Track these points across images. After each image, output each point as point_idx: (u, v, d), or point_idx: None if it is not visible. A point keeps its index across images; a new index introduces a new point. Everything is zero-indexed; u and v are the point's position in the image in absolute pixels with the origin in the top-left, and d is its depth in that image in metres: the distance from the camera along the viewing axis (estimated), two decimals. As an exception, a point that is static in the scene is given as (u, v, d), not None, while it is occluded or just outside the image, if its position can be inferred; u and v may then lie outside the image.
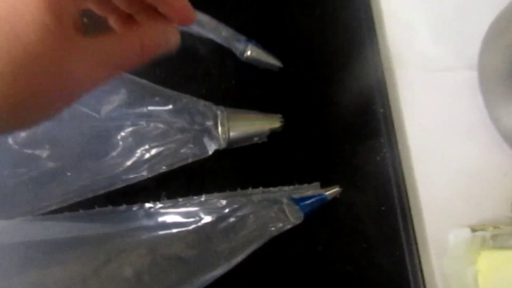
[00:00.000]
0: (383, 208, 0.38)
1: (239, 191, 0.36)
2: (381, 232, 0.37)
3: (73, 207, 0.33)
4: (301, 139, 0.40)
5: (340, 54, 0.44)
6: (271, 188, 0.36)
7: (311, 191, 0.37)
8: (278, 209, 0.34)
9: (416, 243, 0.36)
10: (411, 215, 0.37)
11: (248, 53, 0.40)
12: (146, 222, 0.33)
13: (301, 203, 0.35)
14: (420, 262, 0.35)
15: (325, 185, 0.37)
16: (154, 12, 0.23)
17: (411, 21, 0.45)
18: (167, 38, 0.23)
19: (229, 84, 0.41)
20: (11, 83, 0.17)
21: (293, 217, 0.34)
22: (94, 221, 0.33)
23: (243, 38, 0.41)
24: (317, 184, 0.37)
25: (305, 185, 0.37)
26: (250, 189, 0.36)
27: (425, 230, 0.38)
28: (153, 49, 0.22)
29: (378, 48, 0.44)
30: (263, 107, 0.40)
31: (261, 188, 0.36)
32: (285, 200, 0.35)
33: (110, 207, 0.34)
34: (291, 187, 0.37)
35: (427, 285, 0.35)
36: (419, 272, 0.35)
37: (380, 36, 0.45)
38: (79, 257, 0.31)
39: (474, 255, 0.36)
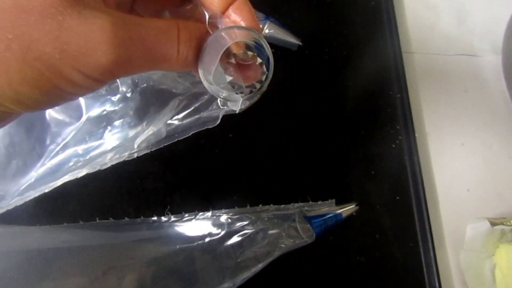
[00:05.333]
0: (397, 198, 0.36)
1: (248, 207, 0.34)
2: (395, 223, 0.35)
3: (73, 218, 0.32)
4: (313, 124, 0.38)
5: (356, 36, 0.42)
6: (282, 206, 0.34)
7: (326, 208, 0.35)
8: (288, 227, 0.32)
9: (431, 235, 0.35)
10: (426, 206, 0.36)
11: (266, 30, 0.39)
12: (149, 235, 0.31)
13: (314, 221, 0.33)
14: (435, 254, 0.34)
15: (339, 177, 0.36)
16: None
17: (433, 2, 0.43)
18: (202, 40, 0.19)
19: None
20: None
21: (305, 236, 0.32)
22: (95, 231, 0.31)
23: (261, 15, 0.39)
24: (332, 201, 0.35)
25: (319, 202, 0.35)
26: (260, 206, 0.34)
27: (441, 222, 0.36)
28: (190, 47, 0.18)
29: (396, 30, 0.42)
30: (277, 88, 0.38)
31: (272, 205, 0.34)
32: (296, 218, 0.33)
33: (111, 220, 0.32)
34: (304, 204, 0.34)
35: (442, 277, 0.34)
36: (433, 264, 0.34)
37: (399, 17, 0.43)
38: (78, 267, 0.29)
39: (492, 248, 0.34)
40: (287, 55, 0.40)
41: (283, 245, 0.31)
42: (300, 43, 0.39)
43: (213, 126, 0.28)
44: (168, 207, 0.33)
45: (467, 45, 0.41)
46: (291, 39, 0.39)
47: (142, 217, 0.32)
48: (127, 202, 0.34)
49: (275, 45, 0.40)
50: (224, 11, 0.20)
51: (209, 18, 0.20)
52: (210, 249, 0.31)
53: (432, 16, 0.43)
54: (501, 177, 0.37)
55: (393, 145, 0.38)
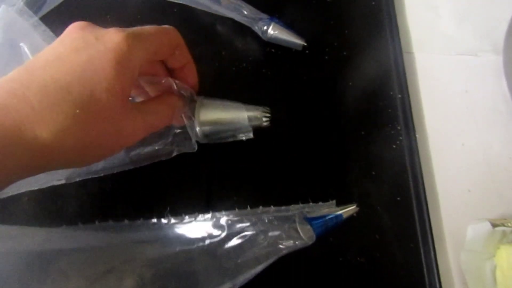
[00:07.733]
0: (398, 198, 0.36)
1: (248, 209, 0.33)
2: (396, 224, 0.35)
3: (72, 220, 0.32)
4: (313, 125, 0.38)
5: (356, 36, 0.42)
6: (283, 207, 0.34)
7: (327, 209, 0.34)
8: (289, 228, 0.32)
9: (431, 236, 0.34)
10: (427, 207, 0.35)
11: (271, 31, 0.38)
12: (149, 236, 0.32)
13: (314, 222, 0.33)
14: (435, 255, 0.34)
15: (339, 178, 0.36)
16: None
17: (434, 1, 0.43)
18: (185, 108, 0.31)
19: (249, 64, 0.40)
20: (82, 126, 0.22)
21: (305, 237, 0.32)
22: (95, 233, 0.31)
23: (264, 16, 0.39)
24: (332, 202, 0.35)
25: (320, 203, 0.35)
26: (260, 208, 0.34)
27: (441, 222, 0.36)
28: (179, 112, 0.30)
29: (397, 30, 0.42)
30: (277, 88, 0.38)
31: (272, 207, 0.34)
32: (297, 219, 0.33)
33: (111, 222, 0.32)
34: (305, 205, 0.34)
35: (442, 279, 0.34)
36: (434, 266, 0.34)
37: (400, 17, 0.43)
38: (78, 268, 0.29)
39: (493, 249, 0.34)
40: (287, 55, 0.40)
41: (283, 247, 0.31)
42: (305, 43, 0.39)
43: (167, 159, 0.33)
44: (168, 208, 0.33)
45: (467, 45, 0.41)
46: (296, 40, 0.39)
47: (141, 219, 0.32)
48: (126, 203, 0.33)
49: (279, 45, 0.40)
50: (180, 68, 0.31)
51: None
52: (210, 250, 0.31)
53: (433, 16, 0.43)
54: (502, 177, 0.37)
55: (394, 146, 0.38)
